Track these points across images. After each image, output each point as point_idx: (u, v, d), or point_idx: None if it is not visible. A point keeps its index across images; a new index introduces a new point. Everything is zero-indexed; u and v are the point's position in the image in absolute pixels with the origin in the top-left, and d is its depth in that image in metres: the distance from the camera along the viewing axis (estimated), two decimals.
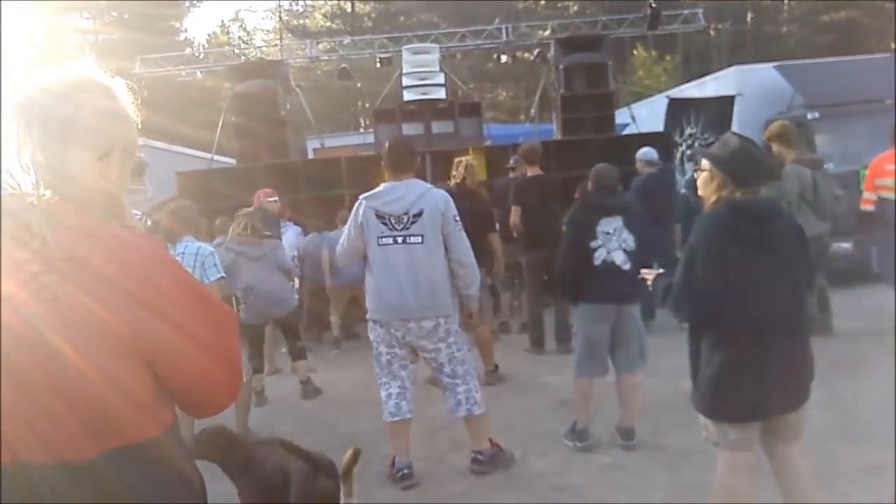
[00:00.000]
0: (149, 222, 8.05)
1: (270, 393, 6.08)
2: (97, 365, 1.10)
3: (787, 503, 2.81)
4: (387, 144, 4.19)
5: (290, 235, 7.82)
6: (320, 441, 4.88)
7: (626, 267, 4.26)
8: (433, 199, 3.97)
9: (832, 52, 20.55)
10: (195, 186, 9.35)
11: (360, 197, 4.08)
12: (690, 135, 10.70)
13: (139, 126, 1.33)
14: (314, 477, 3.00)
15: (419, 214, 3.92)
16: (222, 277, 4.51)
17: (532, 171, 6.67)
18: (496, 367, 5.95)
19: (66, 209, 1.16)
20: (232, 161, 11.79)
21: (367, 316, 4.14)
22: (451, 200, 4.07)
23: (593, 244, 4.28)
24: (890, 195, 6.33)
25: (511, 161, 7.87)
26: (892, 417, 4.31)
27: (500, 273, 6.51)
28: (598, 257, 4.27)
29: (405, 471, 4.07)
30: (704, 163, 2.78)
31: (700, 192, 2.83)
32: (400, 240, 3.93)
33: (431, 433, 4.68)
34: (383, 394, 4.11)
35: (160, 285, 1.18)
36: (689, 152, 10.74)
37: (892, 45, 24.97)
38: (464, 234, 4.06)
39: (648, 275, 3.12)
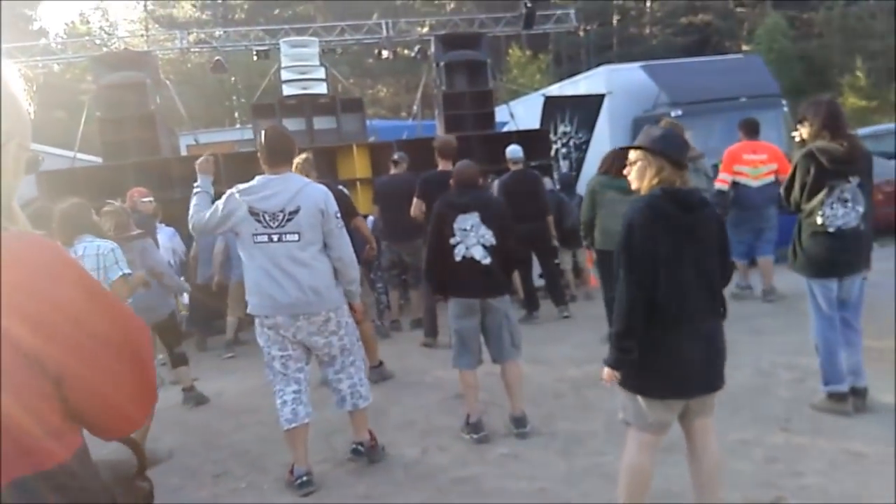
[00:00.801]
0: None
1: None
2: (3, 388, 0.99)
3: (694, 472, 2.99)
4: (263, 134, 4.01)
5: (164, 238, 7.40)
6: (210, 451, 4.69)
7: (486, 262, 4.36)
8: (311, 195, 3.87)
9: (691, 53, 22.01)
10: (58, 187, 8.67)
11: (234, 188, 3.88)
12: (565, 133, 11.12)
13: (32, 116, 1.19)
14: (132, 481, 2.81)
15: (296, 212, 3.80)
16: (126, 274, 4.17)
17: (444, 166, 6.63)
18: (381, 363, 5.92)
19: None
20: (97, 159, 11.03)
21: (248, 310, 3.99)
22: (330, 196, 3.97)
23: (452, 241, 4.37)
24: (748, 182, 7.04)
25: (395, 156, 7.81)
26: (754, 395, 4.68)
27: (371, 252, 6.42)
28: (458, 253, 4.36)
29: (304, 478, 3.96)
30: (636, 154, 2.88)
31: (635, 184, 2.91)
32: (276, 237, 3.80)
33: (329, 435, 4.60)
34: (278, 401, 3.97)
35: (67, 294, 1.07)
36: (563, 150, 11.15)
37: (744, 47, 27.00)
38: (344, 231, 4.01)
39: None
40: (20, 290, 1.02)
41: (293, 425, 3.93)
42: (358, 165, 9.75)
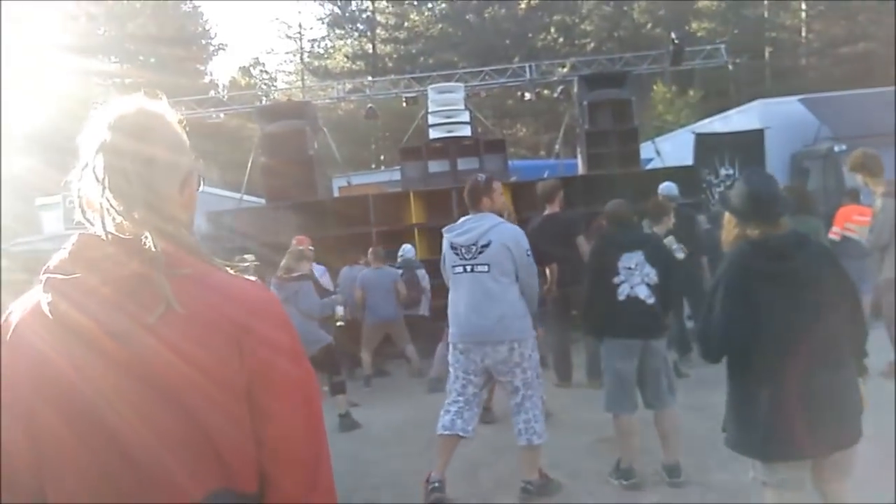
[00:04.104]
0: None
1: None
2: (215, 416, 1.10)
3: None
4: (468, 183, 4.47)
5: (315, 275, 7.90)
6: (362, 479, 4.86)
7: (651, 301, 4.25)
8: (501, 231, 4.22)
9: (851, 84, 20.50)
10: (227, 226, 9.47)
11: (445, 230, 4.44)
12: (728, 175, 10.69)
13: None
14: None
15: (487, 245, 4.14)
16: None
17: (550, 209, 6.67)
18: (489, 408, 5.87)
19: (177, 255, 1.15)
20: (260, 201, 11.93)
21: (448, 339, 4.39)
22: (521, 234, 4.33)
23: (616, 280, 4.28)
24: (856, 237, 7.18)
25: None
26: None
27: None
28: (622, 293, 4.26)
29: (436, 484, 4.20)
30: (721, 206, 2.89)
31: (724, 235, 2.88)
32: (469, 268, 4.16)
33: (474, 468, 4.64)
34: (443, 409, 4.30)
35: (277, 339, 1.19)
36: None
37: None
38: (534, 265, 4.32)
39: None
40: (240, 333, 1.13)
41: (446, 433, 4.22)
42: None
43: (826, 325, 2.61)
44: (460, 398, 4.24)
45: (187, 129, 1.30)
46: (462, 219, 4.36)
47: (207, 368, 1.10)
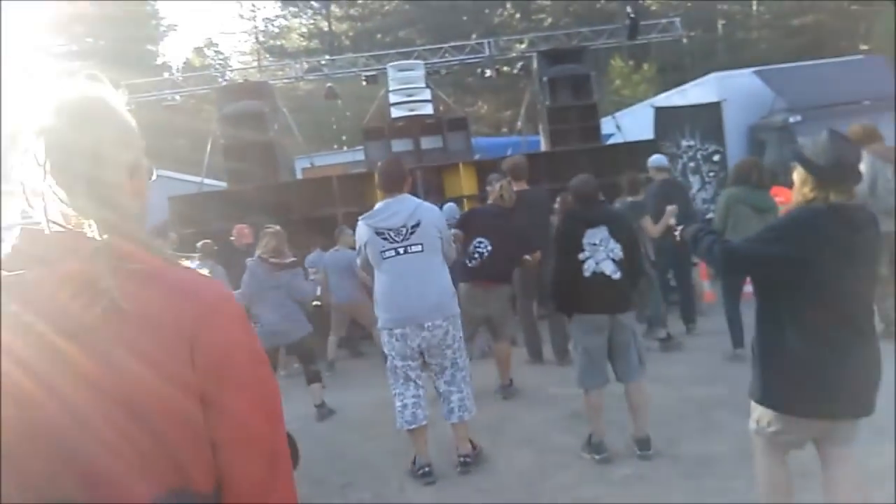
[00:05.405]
0: None
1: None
2: (161, 413, 1.06)
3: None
4: (379, 166, 4.51)
5: None
6: (336, 462, 4.87)
7: (616, 276, 4.29)
8: (427, 210, 4.32)
9: (802, 56, 20.87)
10: (188, 211, 9.30)
11: (360, 218, 4.39)
12: (689, 146, 10.80)
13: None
14: None
15: (417, 225, 4.21)
16: None
17: (518, 186, 6.67)
18: (511, 381, 5.98)
19: (125, 248, 1.09)
20: (221, 184, 11.72)
21: (379, 326, 4.37)
22: (438, 209, 4.57)
23: (581, 256, 4.31)
24: None
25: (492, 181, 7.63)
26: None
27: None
28: (588, 269, 4.29)
29: (426, 468, 4.34)
30: (797, 164, 2.72)
31: (794, 194, 2.78)
32: (402, 251, 4.20)
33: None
34: (398, 404, 4.34)
35: (232, 338, 1.14)
36: (692, 164, 10.81)
37: (862, 46, 25.43)
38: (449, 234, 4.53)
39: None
40: (186, 333, 1.08)
41: (413, 426, 4.30)
42: (464, 183, 9.89)
43: (868, 298, 2.72)
44: (412, 388, 4.31)
45: (133, 110, 1.24)
46: (379, 204, 4.34)
47: (156, 368, 1.05)
